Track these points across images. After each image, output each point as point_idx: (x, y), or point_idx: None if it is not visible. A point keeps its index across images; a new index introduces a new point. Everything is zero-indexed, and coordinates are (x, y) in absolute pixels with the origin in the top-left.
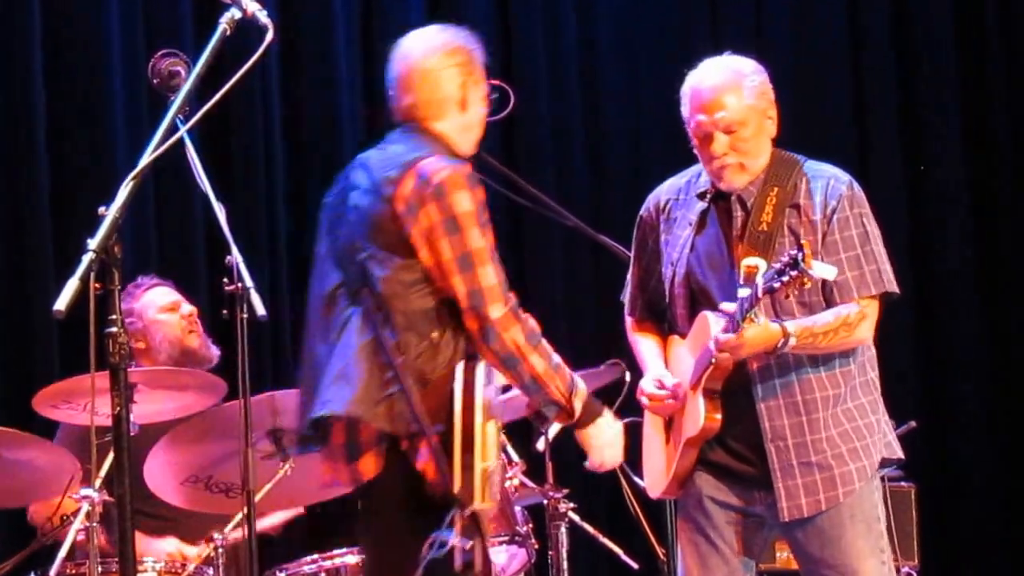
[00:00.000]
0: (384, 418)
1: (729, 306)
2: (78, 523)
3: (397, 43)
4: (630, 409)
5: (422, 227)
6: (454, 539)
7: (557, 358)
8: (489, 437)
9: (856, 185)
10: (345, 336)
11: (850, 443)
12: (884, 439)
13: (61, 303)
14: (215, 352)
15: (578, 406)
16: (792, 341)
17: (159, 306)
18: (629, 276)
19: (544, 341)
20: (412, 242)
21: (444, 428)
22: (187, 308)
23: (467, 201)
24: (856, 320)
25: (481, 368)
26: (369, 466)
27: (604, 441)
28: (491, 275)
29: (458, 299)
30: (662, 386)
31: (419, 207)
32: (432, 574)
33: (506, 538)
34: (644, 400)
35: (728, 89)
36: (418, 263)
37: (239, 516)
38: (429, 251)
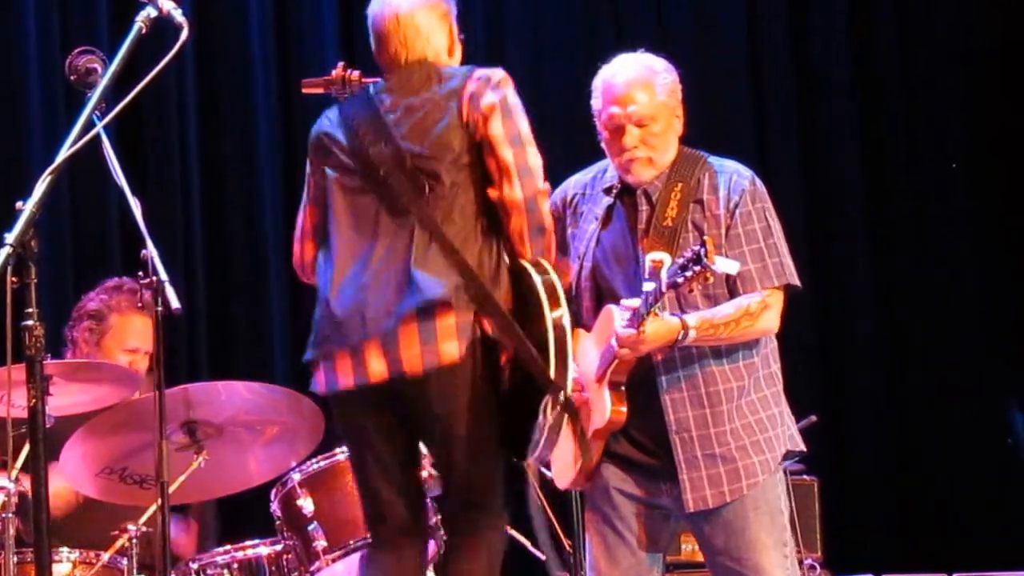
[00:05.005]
0: (471, 302)
1: (632, 302)
2: None
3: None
4: None
5: (482, 111)
6: (550, 422)
7: None
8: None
9: (758, 180)
10: (404, 242)
11: (753, 436)
12: (787, 432)
13: None
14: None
15: None
16: (692, 334)
17: (125, 345)
18: None
19: None
20: (471, 129)
21: (523, 318)
22: (142, 361)
23: (516, 96)
24: (758, 310)
25: (547, 262)
26: (451, 349)
27: None
28: (536, 156)
29: (505, 170)
30: None
31: (480, 96)
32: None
33: None
34: None
35: (641, 84)
36: (478, 162)
37: (152, 507)
38: (485, 129)
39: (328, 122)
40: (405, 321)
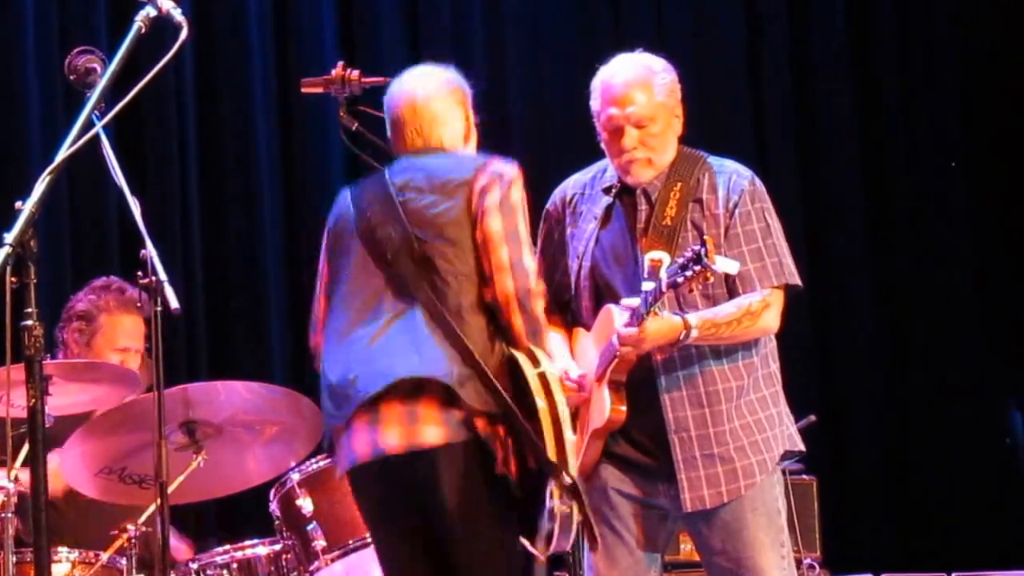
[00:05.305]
0: (470, 395)
1: (632, 301)
2: None
3: (395, 82)
4: None
5: (485, 206)
6: (558, 506)
7: None
8: (567, 412)
9: (758, 180)
10: (405, 323)
11: (752, 436)
12: (786, 432)
13: None
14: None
15: None
16: (694, 333)
17: (115, 345)
18: None
19: None
20: (474, 222)
21: (520, 407)
22: (133, 360)
23: (521, 195)
24: (759, 309)
25: (542, 353)
26: (432, 434)
27: None
28: (531, 256)
29: (499, 267)
30: (568, 378)
31: (487, 191)
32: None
33: None
34: None
35: (639, 85)
36: (477, 253)
37: (152, 507)
38: (483, 225)
39: (343, 205)
40: (391, 394)
